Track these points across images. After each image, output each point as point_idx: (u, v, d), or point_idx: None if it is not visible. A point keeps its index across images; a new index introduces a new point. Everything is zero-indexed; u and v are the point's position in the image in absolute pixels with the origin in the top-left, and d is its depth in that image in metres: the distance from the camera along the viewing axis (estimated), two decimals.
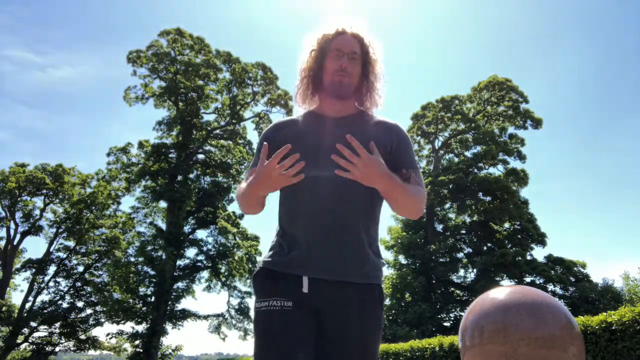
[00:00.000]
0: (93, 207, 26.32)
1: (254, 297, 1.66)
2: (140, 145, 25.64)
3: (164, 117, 25.77)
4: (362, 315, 1.57)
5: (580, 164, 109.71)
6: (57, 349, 25.03)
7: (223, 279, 24.98)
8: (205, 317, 24.79)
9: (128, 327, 22.69)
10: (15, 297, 32.87)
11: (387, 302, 22.82)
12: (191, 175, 25.68)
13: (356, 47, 1.69)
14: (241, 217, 25.68)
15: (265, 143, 1.54)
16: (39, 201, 26.74)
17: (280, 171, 1.44)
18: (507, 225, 24.08)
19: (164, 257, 22.54)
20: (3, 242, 25.69)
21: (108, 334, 23.16)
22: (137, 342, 22.09)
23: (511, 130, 26.41)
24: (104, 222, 26.71)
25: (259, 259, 1.76)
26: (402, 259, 24.30)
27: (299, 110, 1.82)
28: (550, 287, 21.31)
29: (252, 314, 1.73)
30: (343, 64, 1.67)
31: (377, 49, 1.75)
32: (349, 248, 1.57)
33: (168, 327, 23.13)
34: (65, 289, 25.63)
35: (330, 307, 1.55)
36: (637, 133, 70.89)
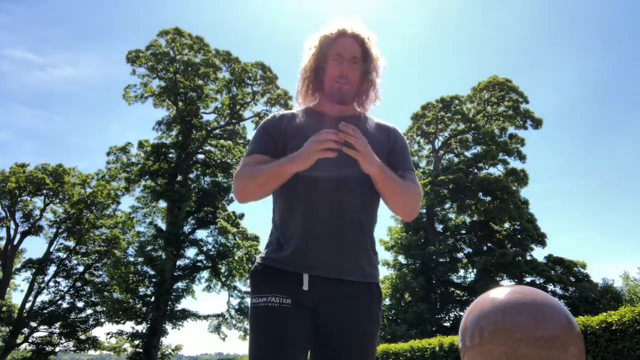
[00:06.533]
0: (93, 207, 26.31)
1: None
2: (140, 145, 25.60)
3: (163, 116, 25.84)
4: (361, 313, 1.57)
5: (580, 164, 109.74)
6: (57, 349, 25.02)
7: (223, 279, 24.95)
8: (205, 317, 24.78)
9: (128, 327, 22.68)
10: (15, 297, 32.81)
11: (387, 302, 22.82)
12: (191, 175, 25.67)
13: (357, 51, 1.69)
14: (241, 217, 25.65)
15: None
16: (39, 201, 26.80)
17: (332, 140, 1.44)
18: (507, 225, 24.07)
19: (163, 257, 22.51)
20: (3, 242, 25.72)
21: (108, 334, 23.16)
22: (137, 342, 22.09)
23: (511, 130, 26.44)
24: (103, 222, 26.70)
25: (257, 256, 1.74)
26: (402, 259, 24.29)
27: (297, 107, 1.83)
28: (550, 287, 21.30)
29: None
30: (344, 71, 1.67)
31: (376, 44, 1.74)
32: (351, 246, 1.58)
33: (168, 327, 23.14)
34: (65, 289, 25.65)
35: (330, 306, 1.55)
36: (637, 133, 70.97)
